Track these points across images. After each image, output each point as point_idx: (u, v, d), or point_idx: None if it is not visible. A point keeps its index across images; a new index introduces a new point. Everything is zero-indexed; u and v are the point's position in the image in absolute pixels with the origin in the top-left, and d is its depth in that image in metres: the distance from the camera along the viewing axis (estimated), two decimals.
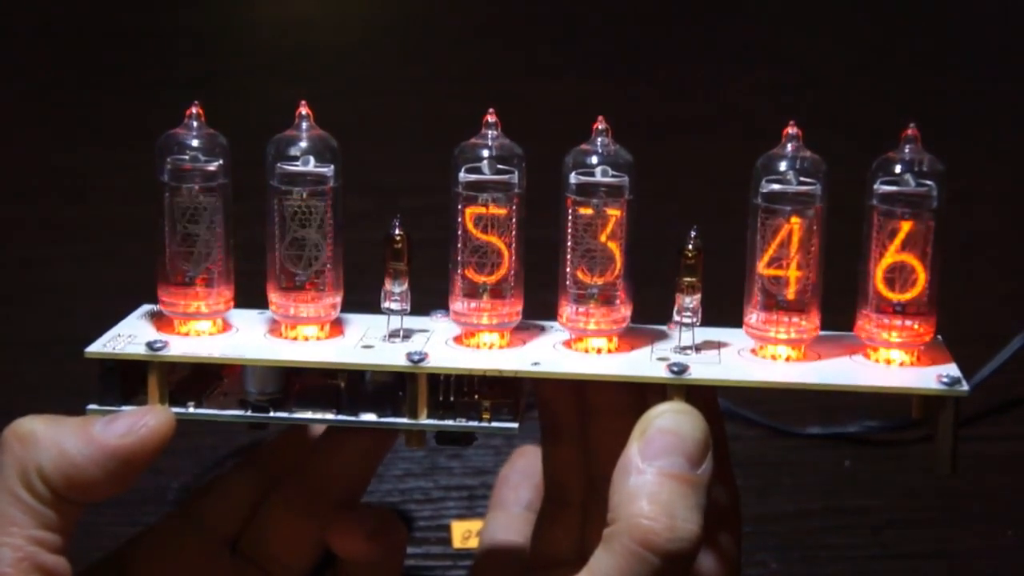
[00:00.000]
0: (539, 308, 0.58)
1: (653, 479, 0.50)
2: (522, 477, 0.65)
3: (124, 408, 0.54)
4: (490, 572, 0.63)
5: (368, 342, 0.56)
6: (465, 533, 0.74)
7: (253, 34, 1.66)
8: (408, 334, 0.57)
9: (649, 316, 0.58)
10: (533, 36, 1.61)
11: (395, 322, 0.57)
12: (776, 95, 1.38)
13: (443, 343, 0.56)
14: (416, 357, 0.54)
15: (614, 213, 0.55)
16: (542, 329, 0.58)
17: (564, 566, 0.58)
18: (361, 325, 0.58)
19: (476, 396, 0.54)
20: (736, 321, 0.56)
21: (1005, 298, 0.98)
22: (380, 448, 0.62)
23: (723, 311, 0.57)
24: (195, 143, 0.56)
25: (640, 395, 0.54)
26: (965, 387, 0.52)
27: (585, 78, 1.45)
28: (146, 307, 0.59)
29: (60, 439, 0.51)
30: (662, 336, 0.57)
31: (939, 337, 0.56)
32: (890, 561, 0.73)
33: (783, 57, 1.53)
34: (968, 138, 1.25)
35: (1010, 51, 1.57)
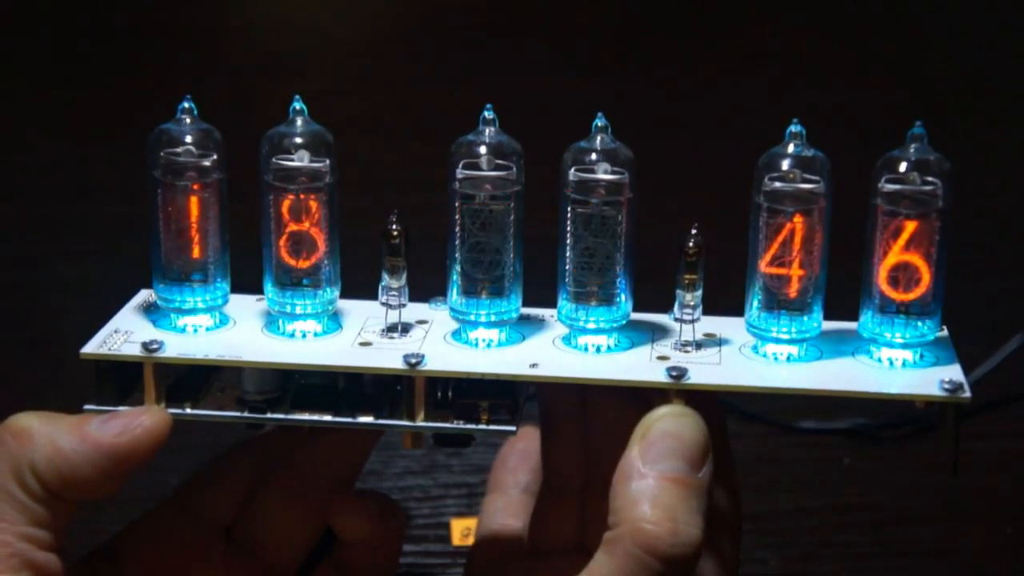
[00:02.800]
0: (539, 304, 0.58)
1: (655, 483, 0.49)
2: (520, 459, 0.65)
3: (121, 408, 0.53)
4: (488, 555, 0.63)
5: (366, 337, 0.56)
6: (464, 531, 0.74)
7: (252, 31, 1.65)
8: (407, 327, 0.56)
9: (652, 308, 0.58)
10: (533, 33, 1.61)
11: (393, 316, 0.56)
12: (778, 93, 1.38)
13: (441, 339, 0.56)
14: (413, 360, 0.53)
15: (614, 210, 0.54)
16: (542, 321, 0.58)
17: (562, 553, 0.58)
18: (359, 316, 0.57)
19: (474, 397, 0.54)
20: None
21: (1005, 294, 0.97)
22: (372, 437, 0.62)
23: (724, 309, 0.57)
24: (188, 138, 0.55)
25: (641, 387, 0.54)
26: (967, 393, 0.52)
27: (585, 76, 1.45)
28: (144, 293, 0.59)
29: (55, 436, 0.51)
30: (663, 330, 0.56)
31: (945, 330, 0.55)
32: (890, 558, 0.73)
33: (784, 56, 1.52)
34: (967, 135, 1.25)
35: (1012, 49, 1.56)
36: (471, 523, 0.74)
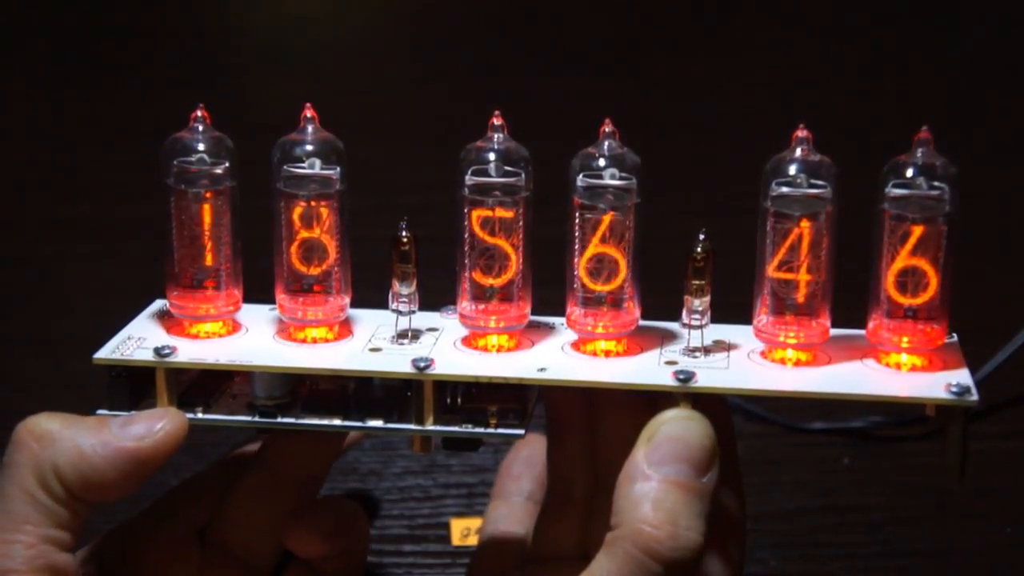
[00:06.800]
0: (546, 305, 0.58)
1: (658, 486, 0.50)
2: (525, 467, 0.65)
3: (135, 412, 0.54)
4: (489, 562, 0.63)
5: (376, 344, 0.56)
6: (464, 531, 0.74)
7: (253, 31, 1.65)
8: (417, 334, 0.57)
9: (660, 314, 0.58)
10: (533, 33, 1.60)
11: (403, 322, 0.56)
12: (780, 95, 1.38)
13: (451, 345, 0.56)
14: (422, 364, 0.54)
15: (622, 216, 0.54)
16: (551, 328, 0.58)
17: (565, 561, 0.59)
18: (370, 324, 0.58)
19: (483, 401, 0.54)
20: (745, 321, 0.56)
21: (1007, 295, 0.97)
22: (341, 436, 0.62)
23: (731, 312, 0.57)
24: (201, 146, 0.55)
25: (649, 394, 0.54)
26: (974, 397, 0.52)
27: (584, 76, 1.45)
28: (159, 303, 0.59)
29: (78, 439, 0.51)
30: (671, 336, 0.57)
31: (954, 336, 0.56)
32: (889, 559, 0.73)
33: (788, 57, 1.52)
34: (970, 134, 1.25)
35: (1013, 49, 1.56)
36: (471, 523, 0.74)
